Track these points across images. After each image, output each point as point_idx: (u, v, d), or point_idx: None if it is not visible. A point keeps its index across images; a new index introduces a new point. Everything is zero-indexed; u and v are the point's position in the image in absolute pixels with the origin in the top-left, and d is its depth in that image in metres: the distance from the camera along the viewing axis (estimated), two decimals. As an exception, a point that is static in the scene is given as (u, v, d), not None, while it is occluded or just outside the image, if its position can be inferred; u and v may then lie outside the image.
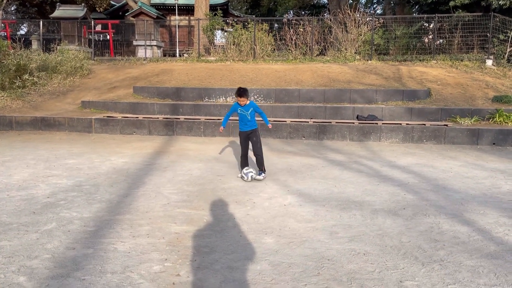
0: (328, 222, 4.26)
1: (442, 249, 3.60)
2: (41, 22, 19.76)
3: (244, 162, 6.17)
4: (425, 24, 19.21)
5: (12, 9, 34.23)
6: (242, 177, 6.00)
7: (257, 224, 4.19)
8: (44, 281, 2.95)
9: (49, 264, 3.21)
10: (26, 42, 17.75)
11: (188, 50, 22.07)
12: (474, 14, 16.18)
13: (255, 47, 16.38)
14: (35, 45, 19.87)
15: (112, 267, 3.18)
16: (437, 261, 3.36)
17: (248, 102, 6.02)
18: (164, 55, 21.69)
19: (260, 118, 6.41)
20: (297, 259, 3.36)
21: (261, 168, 6.12)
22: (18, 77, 13.53)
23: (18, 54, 14.39)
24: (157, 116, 11.15)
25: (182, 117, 10.83)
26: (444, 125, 9.74)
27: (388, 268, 3.22)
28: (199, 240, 3.74)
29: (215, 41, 20.04)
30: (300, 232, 3.98)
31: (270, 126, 6.37)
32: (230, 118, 6.74)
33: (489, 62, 14.29)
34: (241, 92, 5.92)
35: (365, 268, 3.22)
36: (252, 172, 5.95)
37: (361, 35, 16.02)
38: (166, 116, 11.08)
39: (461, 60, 14.78)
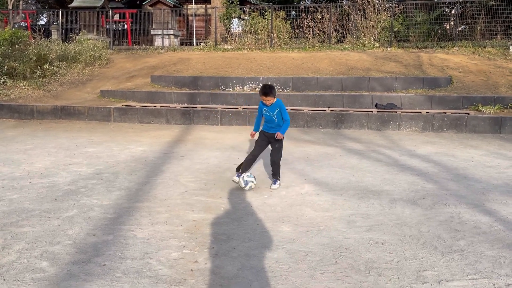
0: (345, 211, 4.24)
1: (462, 239, 3.54)
2: (60, 12, 20.00)
3: (248, 165, 5.18)
4: (446, 9, 18.71)
5: (32, -1, 34.67)
6: (239, 182, 4.95)
7: (274, 212, 4.19)
8: (66, 266, 3.02)
9: (71, 250, 3.28)
10: (46, 32, 18.00)
11: (205, 39, 22.02)
12: (498, -2, 15.68)
13: (272, 35, 16.25)
14: (54, 35, 20.14)
15: (132, 253, 3.23)
16: (457, 251, 3.30)
17: (274, 101, 5.01)
18: (181, 44, 21.70)
19: None
20: (314, 248, 3.36)
21: (276, 177, 5.17)
22: (39, 67, 13.76)
23: (38, 44, 14.62)
24: (175, 105, 11.21)
25: (199, 106, 10.86)
26: (466, 113, 9.52)
27: (407, 258, 3.19)
28: (217, 228, 3.76)
29: (232, 29, 19.96)
30: (317, 221, 3.97)
31: (282, 137, 5.05)
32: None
33: (514, 49, 13.85)
34: (267, 90, 4.88)
35: (383, 258, 3.19)
36: (253, 181, 4.92)
37: (380, 21, 15.71)
38: (183, 105, 11.13)
39: (484, 47, 14.36)
